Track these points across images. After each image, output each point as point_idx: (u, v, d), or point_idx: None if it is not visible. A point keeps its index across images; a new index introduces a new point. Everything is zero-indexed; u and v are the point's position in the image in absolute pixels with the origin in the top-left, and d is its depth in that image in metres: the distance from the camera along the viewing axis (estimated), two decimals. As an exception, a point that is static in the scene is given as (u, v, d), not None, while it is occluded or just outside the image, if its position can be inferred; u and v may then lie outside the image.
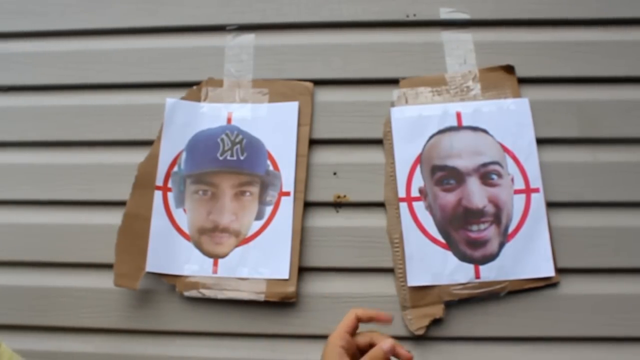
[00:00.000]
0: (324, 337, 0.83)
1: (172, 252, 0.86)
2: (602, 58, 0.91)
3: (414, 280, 0.82)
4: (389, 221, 0.86)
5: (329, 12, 0.97)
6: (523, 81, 0.91)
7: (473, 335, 0.82)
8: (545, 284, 0.82)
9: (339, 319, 0.82)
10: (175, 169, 0.90)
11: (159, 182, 0.89)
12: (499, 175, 0.85)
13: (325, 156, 0.91)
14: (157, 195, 0.89)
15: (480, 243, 0.83)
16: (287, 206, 0.87)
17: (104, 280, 0.86)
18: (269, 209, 0.87)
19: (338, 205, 0.89)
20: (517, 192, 0.85)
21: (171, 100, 0.93)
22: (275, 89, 0.93)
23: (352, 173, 0.89)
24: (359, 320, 0.66)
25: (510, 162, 0.86)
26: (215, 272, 0.85)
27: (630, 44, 0.92)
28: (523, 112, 0.88)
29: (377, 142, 0.91)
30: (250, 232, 0.86)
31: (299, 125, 0.91)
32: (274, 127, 0.91)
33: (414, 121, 0.89)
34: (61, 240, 0.90)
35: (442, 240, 0.84)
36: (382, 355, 0.62)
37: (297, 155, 0.89)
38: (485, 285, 0.82)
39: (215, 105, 0.93)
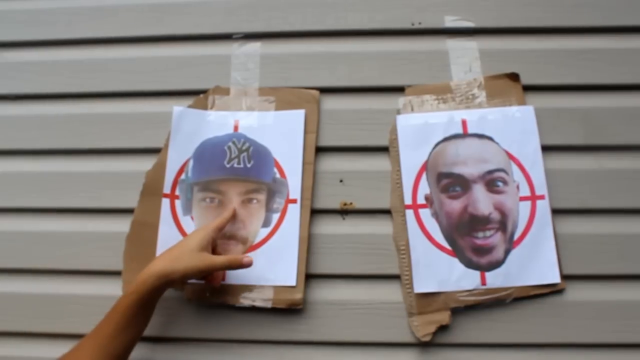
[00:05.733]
0: (331, 343, 0.84)
1: (179, 260, 0.87)
2: (606, 65, 0.92)
3: (420, 286, 0.83)
4: (395, 228, 0.87)
5: (335, 21, 0.97)
6: (528, 89, 0.91)
7: (479, 341, 0.82)
8: (551, 291, 0.83)
9: (346, 325, 0.84)
10: (183, 176, 0.91)
11: (167, 189, 0.90)
12: (505, 183, 0.86)
13: (331, 163, 0.91)
14: (165, 202, 0.89)
15: (486, 250, 0.84)
16: (294, 213, 0.87)
17: (113, 288, 0.86)
18: (276, 217, 0.88)
19: (344, 212, 0.89)
20: (522, 199, 0.86)
21: (178, 108, 0.93)
22: (281, 97, 0.94)
23: (359, 180, 0.90)
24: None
25: (515, 169, 0.87)
26: (223, 279, 0.85)
27: (634, 51, 0.92)
28: (528, 120, 0.89)
29: (383, 149, 0.91)
30: (258, 240, 0.87)
31: (305, 132, 0.91)
32: (281, 134, 0.91)
33: (419, 129, 0.90)
34: (69, 248, 0.91)
35: (448, 247, 0.85)
36: (239, 264, 0.78)
37: (304, 163, 0.90)
38: (491, 291, 0.82)
39: (222, 113, 0.94)
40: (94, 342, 0.70)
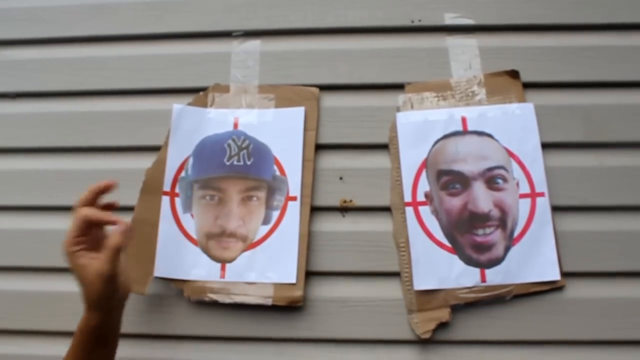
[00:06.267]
0: (331, 341, 0.84)
1: (179, 257, 0.87)
2: (606, 63, 0.92)
3: (420, 284, 0.83)
4: (395, 225, 0.87)
5: (335, 18, 0.97)
6: (528, 86, 0.91)
7: (479, 338, 0.82)
8: (550, 288, 0.83)
9: (346, 322, 0.84)
10: (183, 174, 0.91)
11: (167, 187, 0.90)
12: (505, 180, 0.86)
13: (331, 161, 0.91)
14: (165, 200, 0.89)
15: (486, 247, 0.84)
16: (293, 211, 0.87)
17: (113, 285, 0.86)
18: (275, 214, 0.88)
19: (344, 209, 0.89)
20: (522, 196, 0.86)
21: (178, 106, 0.93)
22: (281, 95, 0.94)
23: (358, 178, 0.90)
24: (90, 221, 0.71)
25: (515, 166, 0.87)
26: (222, 276, 0.85)
27: (635, 48, 0.92)
28: (528, 117, 0.89)
29: (383, 147, 0.91)
30: (258, 237, 0.87)
31: (305, 130, 0.91)
32: (281, 132, 0.91)
33: (419, 126, 0.90)
34: (70, 246, 0.91)
35: (448, 245, 0.85)
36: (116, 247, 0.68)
37: (304, 160, 0.90)
38: (491, 289, 0.82)
39: (222, 111, 0.94)
40: None
